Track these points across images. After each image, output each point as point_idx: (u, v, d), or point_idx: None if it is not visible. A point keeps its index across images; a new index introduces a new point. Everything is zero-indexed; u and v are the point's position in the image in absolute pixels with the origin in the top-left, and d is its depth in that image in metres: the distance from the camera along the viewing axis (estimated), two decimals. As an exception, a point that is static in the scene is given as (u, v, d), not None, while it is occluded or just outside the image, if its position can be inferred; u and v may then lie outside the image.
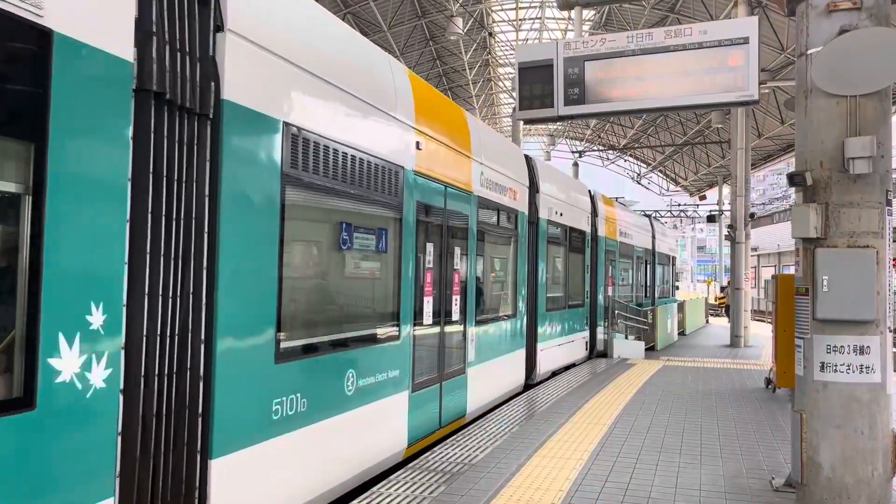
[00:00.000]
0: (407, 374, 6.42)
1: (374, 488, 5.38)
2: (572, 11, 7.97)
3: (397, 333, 6.23)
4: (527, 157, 11.18)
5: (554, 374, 12.13)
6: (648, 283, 21.32)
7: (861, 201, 4.89)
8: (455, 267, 7.77)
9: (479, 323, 8.38)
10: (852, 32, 4.88)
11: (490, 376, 8.84)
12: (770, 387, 10.90)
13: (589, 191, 15.04)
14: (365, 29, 27.08)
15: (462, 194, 7.88)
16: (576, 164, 37.10)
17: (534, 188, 10.97)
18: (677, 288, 30.83)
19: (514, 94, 7.44)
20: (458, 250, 7.84)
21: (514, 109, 28.39)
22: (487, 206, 8.76)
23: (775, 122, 30.33)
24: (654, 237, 22.09)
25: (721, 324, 27.34)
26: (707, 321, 29.88)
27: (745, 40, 6.21)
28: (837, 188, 4.93)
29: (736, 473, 6.07)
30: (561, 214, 12.14)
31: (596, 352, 14.79)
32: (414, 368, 6.55)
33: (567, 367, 12.89)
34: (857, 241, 4.88)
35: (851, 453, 4.80)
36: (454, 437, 7.15)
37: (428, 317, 7.00)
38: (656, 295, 22.16)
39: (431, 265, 7.16)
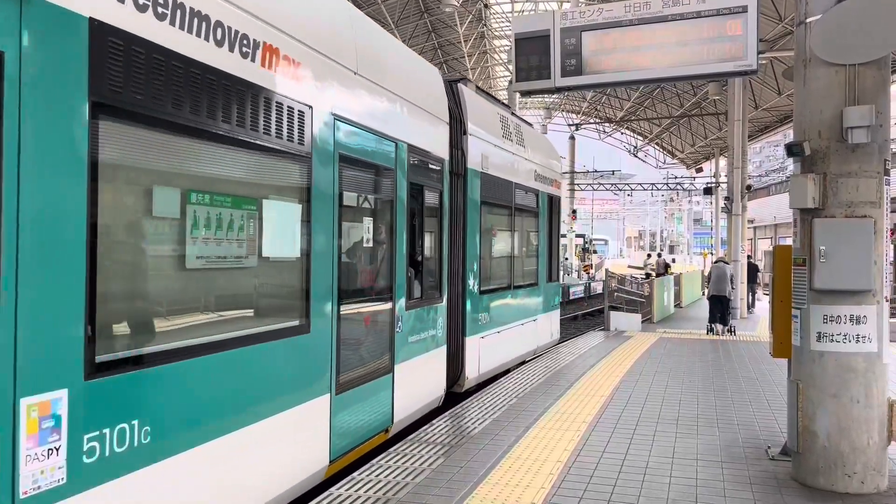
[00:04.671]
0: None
1: (374, 460, 5.42)
2: (569, -19, 7.86)
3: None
4: None
5: None
6: (415, 250, 7.15)
7: (859, 171, 4.87)
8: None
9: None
10: (851, 0, 4.82)
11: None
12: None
13: None
14: (358, 2, 26.73)
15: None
16: (572, 138, 36.98)
17: None
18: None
19: (511, 67, 7.40)
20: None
21: (509, 82, 28.12)
22: None
23: (772, 93, 30.13)
24: (463, 130, 8.33)
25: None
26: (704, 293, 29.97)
27: (744, 9, 6.14)
28: (836, 158, 4.92)
29: (732, 442, 6.13)
30: None
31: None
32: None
33: None
34: (855, 210, 4.87)
35: (847, 422, 4.85)
36: (453, 409, 7.20)
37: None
38: (475, 286, 8.61)
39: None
